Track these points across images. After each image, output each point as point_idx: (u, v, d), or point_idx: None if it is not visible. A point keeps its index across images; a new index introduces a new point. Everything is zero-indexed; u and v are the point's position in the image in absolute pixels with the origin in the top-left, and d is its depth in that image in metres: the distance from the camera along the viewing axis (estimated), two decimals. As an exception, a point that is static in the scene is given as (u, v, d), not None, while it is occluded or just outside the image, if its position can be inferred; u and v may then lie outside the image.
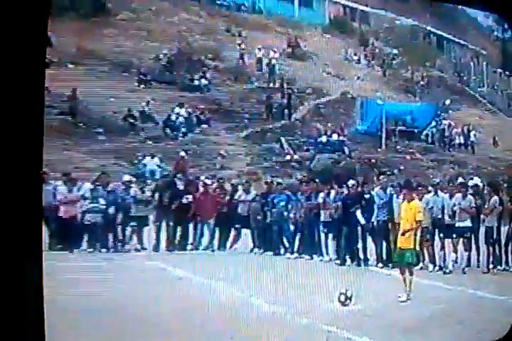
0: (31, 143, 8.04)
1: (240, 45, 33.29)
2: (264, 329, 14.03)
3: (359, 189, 20.61)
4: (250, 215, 21.37)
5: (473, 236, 19.42)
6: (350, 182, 20.93)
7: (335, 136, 30.20)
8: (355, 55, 35.36)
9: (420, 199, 18.21)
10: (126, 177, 21.30)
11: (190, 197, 21.12)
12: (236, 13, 36.25)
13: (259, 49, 32.98)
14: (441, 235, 19.53)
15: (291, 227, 21.06)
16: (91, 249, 19.31)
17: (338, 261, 19.79)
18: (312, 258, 20.34)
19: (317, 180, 22.68)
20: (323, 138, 30.09)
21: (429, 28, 38.38)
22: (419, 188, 19.45)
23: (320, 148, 29.82)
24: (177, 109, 28.73)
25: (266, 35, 34.58)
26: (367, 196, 20.20)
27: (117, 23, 31.09)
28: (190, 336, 13.52)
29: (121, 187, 20.66)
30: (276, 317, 14.80)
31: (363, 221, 19.93)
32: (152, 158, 25.68)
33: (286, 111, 31.57)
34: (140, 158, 25.74)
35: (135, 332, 13.24)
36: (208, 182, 22.44)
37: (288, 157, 29.18)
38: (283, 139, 29.72)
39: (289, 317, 14.73)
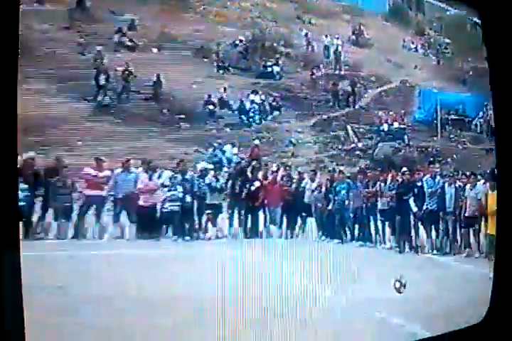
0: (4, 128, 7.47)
1: (308, 32, 31.15)
2: (325, 316, 13.67)
3: (412, 177, 19.70)
4: (315, 203, 20.21)
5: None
6: (404, 170, 19.98)
7: (396, 124, 28.35)
8: (412, 43, 32.51)
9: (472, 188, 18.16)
10: (203, 165, 20.24)
11: (260, 184, 19.97)
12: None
13: (326, 36, 30.92)
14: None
15: (352, 215, 19.99)
16: (175, 237, 18.19)
17: (397, 249, 18.87)
18: (372, 246, 19.47)
19: (377, 168, 22.16)
20: (385, 127, 28.18)
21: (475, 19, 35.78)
22: (471, 177, 19.18)
23: (382, 136, 27.98)
24: (252, 96, 26.79)
25: (332, 23, 32.55)
26: (419, 184, 19.39)
27: (196, 6, 28.32)
28: (262, 323, 12.99)
29: (198, 175, 19.40)
30: (336, 305, 14.25)
31: (414, 209, 19.06)
32: (229, 145, 24.03)
33: (351, 98, 29.57)
34: (218, 145, 23.97)
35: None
36: (276, 169, 21.22)
37: (352, 145, 27.10)
38: (349, 127, 27.90)
39: (349, 305, 14.15)
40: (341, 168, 23.22)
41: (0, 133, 7.67)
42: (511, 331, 10.78)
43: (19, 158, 17.69)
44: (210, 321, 12.56)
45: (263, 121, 26.50)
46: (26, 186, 16.45)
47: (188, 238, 18.39)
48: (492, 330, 10.80)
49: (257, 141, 24.50)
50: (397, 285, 15.04)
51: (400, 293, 15.00)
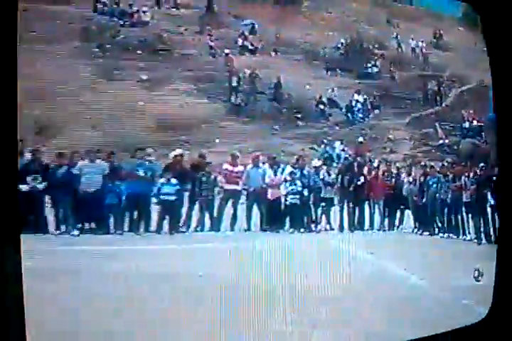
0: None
1: (398, 34, 29.31)
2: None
3: (489, 172, 17.81)
4: (411, 197, 18.83)
5: None
6: (481, 164, 18.54)
7: (475, 122, 26.48)
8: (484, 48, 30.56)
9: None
10: (317, 161, 18.96)
11: (365, 179, 18.65)
12: (393, 4, 32.13)
13: (412, 39, 29.27)
14: None
15: (442, 208, 18.50)
16: (291, 229, 16.82)
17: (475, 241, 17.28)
18: (457, 238, 17.89)
19: (462, 163, 20.45)
20: (466, 124, 26.54)
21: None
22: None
23: (464, 133, 26.31)
24: (356, 96, 25.40)
25: (416, 26, 30.44)
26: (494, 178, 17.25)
27: (305, 12, 27.08)
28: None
29: (313, 170, 18.04)
30: (423, 292, 12.68)
31: (492, 202, 17.26)
32: (338, 142, 22.82)
33: (438, 97, 28.01)
34: (328, 142, 22.79)
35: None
36: (378, 165, 19.96)
37: (441, 141, 25.64)
38: (437, 124, 26.13)
39: (435, 292, 12.49)
40: (432, 163, 21.46)
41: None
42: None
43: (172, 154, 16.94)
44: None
45: (366, 119, 25.17)
46: (176, 181, 16.07)
47: (302, 230, 17.16)
48: (495, 328, 9.21)
49: (361, 138, 23.21)
50: (476, 274, 13.57)
51: (478, 281, 13.48)
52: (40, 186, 14.68)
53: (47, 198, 14.92)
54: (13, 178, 7.00)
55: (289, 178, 17.51)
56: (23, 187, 14.41)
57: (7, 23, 7.14)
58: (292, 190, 17.36)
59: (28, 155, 14.95)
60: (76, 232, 14.66)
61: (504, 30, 9.65)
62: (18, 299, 7.52)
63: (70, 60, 19.34)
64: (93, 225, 14.97)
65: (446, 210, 18.51)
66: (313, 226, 17.51)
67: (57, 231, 14.74)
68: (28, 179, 14.53)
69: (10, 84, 6.52)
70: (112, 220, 15.20)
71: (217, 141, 19.78)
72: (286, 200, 17.28)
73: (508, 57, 9.90)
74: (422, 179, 19.05)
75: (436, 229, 18.30)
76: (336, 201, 18.23)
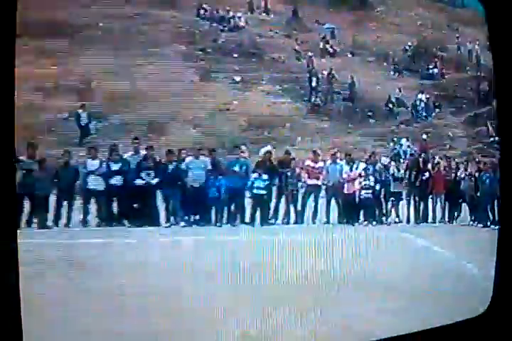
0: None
1: (457, 38, 28.48)
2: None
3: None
4: (467, 191, 17.97)
5: None
6: None
7: (519, 121, 24.66)
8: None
9: None
10: (386, 158, 18.11)
11: (429, 174, 17.85)
12: (451, 8, 30.87)
13: (469, 42, 27.93)
14: None
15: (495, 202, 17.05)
16: (365, 222, 16.30)
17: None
18: None
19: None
20: (515, 122, 24.54)
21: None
22: None
23: (514, 131, 24.34)
24: (419, 95, 24.70)
25: (472, 29, 28.60)
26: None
27: (377, 16, 26.51)
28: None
29: (384, 166, 17.38)
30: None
31: None
32: (404, 139, 22.25)
33: (489, 97, 25.67)
34: (396, 139, 22.27)
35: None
36: (438, 161, 19.17)
37: (492, 139, 24.22)
38: (489, 123, 24.87)
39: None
40: (485, 159, 20.65)
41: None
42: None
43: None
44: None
45: (428, 118, 24.55)
46: (266, 176, 15.70)
47: (374, 223, 16.59)
48: (495, 321, 8.12)
49: (424, 136, 22.72)
50: None
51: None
52: (154, 181, 14.54)
53: (159, 192, 14.63)
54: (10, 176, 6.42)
55: (363, 174, 17.06)
56: (139, 182, 14.52)
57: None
58: (365, 184, 16.88)
59: (142, 153, 14.88)
60: (183, 223, 14.44)
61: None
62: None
63: (176, 61, 19.25)
64: (197, 217, 14.75)
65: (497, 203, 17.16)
66: (384, 218, 17.04)
67: (167, 223, 14.66)
68: (143, 174, 14.48)
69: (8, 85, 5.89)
70: (213, 212, 14.91)
71: (299, 138, 19.54)
72: (360, 194, 16.79)
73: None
74: (476, 174, 18.29)
75: (489, 222, 17.43)
76: (403, 195, 17.67)
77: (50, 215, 13.77)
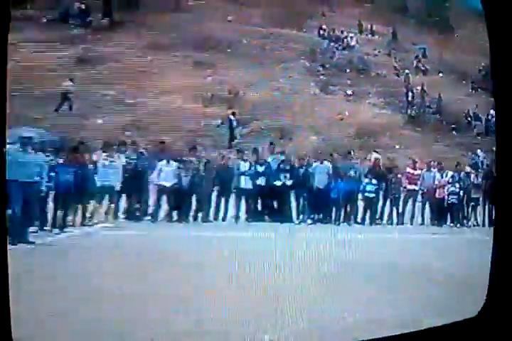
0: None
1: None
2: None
3: None
4: None
5: None
6: None
7: None
8: None
9: None
10: (467, 167, 17.68)
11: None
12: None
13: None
14: None
15: None
16: (451, 224, 15.78)
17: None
18: None
19: None
20: None
21: None
22: None
23: None
24: (491, 111, 22.49)
25: None
26: None
27: (457, 38, 25.79)
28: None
29: (466, 174, 16.84)
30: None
31: None
32: (479, 150, 21.32)
33: None
34: (475, 150, 21.47)
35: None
36: None
37: None
38: None
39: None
40: None
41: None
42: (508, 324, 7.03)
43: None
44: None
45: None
46: (375, 181, 15.39)
47: (459, 225, 16.01)
48: (489, 323, 7.10)
49: (494, 147, 20.95)
50: None
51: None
52: (289, 182, 14.49)
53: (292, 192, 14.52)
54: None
55: (450, 181, 16.48)
56: (278, 183, 14.46)
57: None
58: (452, 191, 16.34)
59: (279, 157, 14.82)
60: (309, 221, 14.33)
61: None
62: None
63: (299, 76, 19.05)
64: (320, 216, 14.66)
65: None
66: (465, 222, 16.44)
67: (297, 220, 14.46)
68: (281, 176, 14.44)
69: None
70: (333, 212, 14.76)
71: (396, 146, 19.23)
72: (448, 199, 16.26)
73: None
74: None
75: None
76: (480, 201, 16.89)
77: (212, 210, 13.57)
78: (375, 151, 17.49)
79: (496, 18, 7.37)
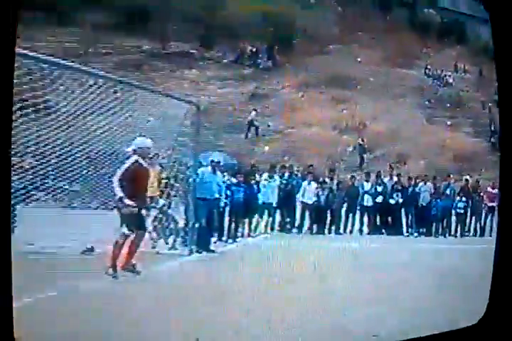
0: None
1: None
2: None
3: None
4: None
5: None
6: None
7: None
8: None
9: None
10: None
11: None
12: None
13: None
14: None
15: None
16: None
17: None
18: None
19: None
20: None
21: None
22: None
23: None
24: None
25: None
26: None
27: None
28: None
29: None
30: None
31: None
32: None
33: None
34: None
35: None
36: None
37: None
38: None
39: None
40: None
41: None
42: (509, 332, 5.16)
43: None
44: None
45: None
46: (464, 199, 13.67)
47: None
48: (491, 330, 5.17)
49: None
50: None
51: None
52: (400, 200, 13.10)
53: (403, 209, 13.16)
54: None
55: None
56: (392, 201, 13.17)
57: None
58: None
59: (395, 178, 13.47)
60: (416, 234, 13.12)
61: None
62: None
63: (410, 110, 17.40)
64: (424, 230, 13.26)
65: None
66: None
67: (407, 233, 13.18)
68: (394, 195, 13.08)
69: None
70: (433, 226, 13.38)
71: (482, 170, 17.24)
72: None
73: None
74: None
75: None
76: None
77: (342, 224, 12.61)
78: (468, 174, 15.58)
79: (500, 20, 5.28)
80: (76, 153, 7.78)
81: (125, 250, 6.55)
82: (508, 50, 5.69)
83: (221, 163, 10.22)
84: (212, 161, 9.83)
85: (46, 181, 7.82)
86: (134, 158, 6.86)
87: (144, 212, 7.07)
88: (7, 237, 4.18)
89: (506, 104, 5.43)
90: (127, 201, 6.50)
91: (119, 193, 6.55)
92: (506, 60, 5.81)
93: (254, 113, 15.36)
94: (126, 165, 6.76)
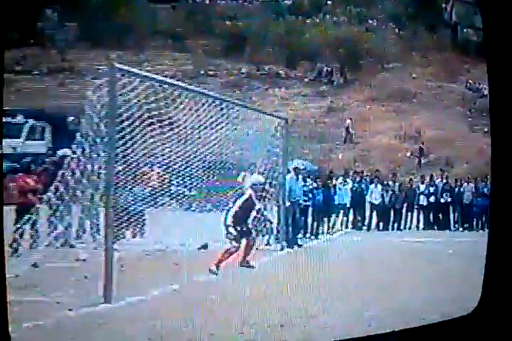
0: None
1: None
2: None
3: None
4: None
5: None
6: None
7: None
8: None
9: None
10: None
11: None
12: None
13: None
14: None
15: None
16: None
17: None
18: None
19: None
20: None
21: None
22: None
23: None
24: None
25: None
26: None
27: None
28: None
29: None
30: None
31: None
32: None
33: None
34: None
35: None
36: None
37: None
38: None
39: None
40: None
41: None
42: (504, 321, 3.81)
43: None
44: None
45: None
46: None
47: None
48: (484, 321, 3.88)
49: None
50: None
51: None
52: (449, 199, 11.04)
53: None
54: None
55: None
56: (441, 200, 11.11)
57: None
58: None
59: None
60: (461, 229, 11.05)
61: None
62: None
63: (455, 119, 14.84)
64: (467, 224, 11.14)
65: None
66: None
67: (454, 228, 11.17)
68: (444, 195, 10.99)
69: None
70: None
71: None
72: None
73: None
74: None
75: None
76: None
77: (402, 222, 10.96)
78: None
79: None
80: (193, 163, 6.96)
81: (242, 251, 5.94)
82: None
83: (305, 170, 8.94)
84: (296, 168, 8.82)
85: (170, 188, 7.16)
86: (249, 192, 6.05)
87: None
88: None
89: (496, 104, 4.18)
90: (232, 230, 5.81)
91: (229, 223, 5.86)
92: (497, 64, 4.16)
93: (349, 121, 13.60)
94: (241, 201, 5.76)
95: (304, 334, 3.75)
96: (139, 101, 5.64)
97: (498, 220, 4.30)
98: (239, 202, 5.93)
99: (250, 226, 6.06)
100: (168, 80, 6.58)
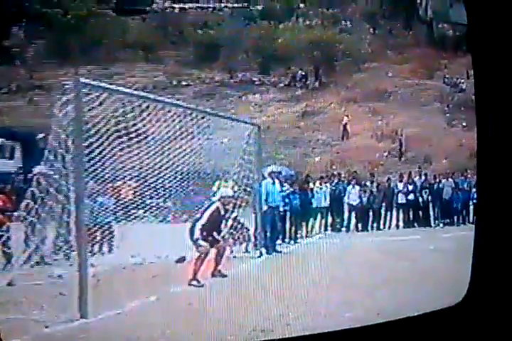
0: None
1: None
2: None
3: None
4: None
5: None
6: None
7: None
8: None
9: None
10: None
11: None
12: None
13: None
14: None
15: None
16: None
17: None
18: None
19: None
20: None
21: None
22: None
23: None
24: None
25: None
26: None
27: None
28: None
29: None
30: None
31: None
32: None
33: None
34: None
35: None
36: None
37: None
38: None
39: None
40: None
41: None
42: (491, 312, 4.03)
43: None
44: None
45: None
46: None
47: None
48: (471, 311, 4.13)
49: None
50: None
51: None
52: (429, 198, 11.45)
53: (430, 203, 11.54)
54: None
55: None
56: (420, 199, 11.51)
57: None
58: None
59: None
60: (441, 225, 11.48)
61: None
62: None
63: (435, 115, 15.29)
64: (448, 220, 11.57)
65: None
66: None
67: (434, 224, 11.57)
68: (423, 192, 11.40)
69: None
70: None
71: None
72: None
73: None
74: None
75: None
76: None
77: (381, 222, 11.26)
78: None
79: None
80: (165, 174, 7.19)
81: (213, 261, 6.13)
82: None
83: (281, 175, 9.23)
84: (272, 172, 9.00)
85: (144, 200, 7.40)
86: (216, 205, 6.30)
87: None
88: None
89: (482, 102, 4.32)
90: (202, 242, 5.99)
91: (197, 235, 6.02)
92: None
93: (346, 118, 13.97)
94: (208, 213, 6.05)
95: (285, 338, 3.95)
96: (107, 115, 5.91)
97: (485, 213, 4.44)
98: (207, 214, 6.12)
99: (218, 236, 6.24)
100: (136, 92, 6.77)
